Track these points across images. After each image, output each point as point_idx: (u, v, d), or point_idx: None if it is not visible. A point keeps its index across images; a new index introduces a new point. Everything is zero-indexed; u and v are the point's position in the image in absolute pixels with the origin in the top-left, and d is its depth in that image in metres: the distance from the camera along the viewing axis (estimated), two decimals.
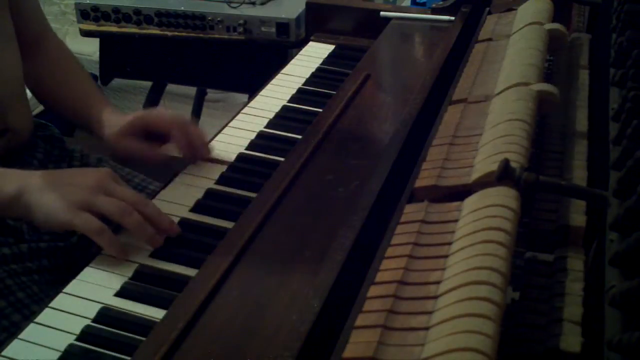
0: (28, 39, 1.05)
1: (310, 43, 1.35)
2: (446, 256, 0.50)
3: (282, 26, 1.66)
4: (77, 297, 0.72)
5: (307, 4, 1.39)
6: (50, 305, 0.71)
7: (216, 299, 0.66)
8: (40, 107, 1.35)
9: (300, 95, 1.15)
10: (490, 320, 0.42)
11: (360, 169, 0.85)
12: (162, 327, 0.64)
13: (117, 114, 1.01)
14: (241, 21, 1.68)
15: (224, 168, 0.94)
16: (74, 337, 0.67)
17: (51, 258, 0.94)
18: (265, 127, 1.03)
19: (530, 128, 0.63)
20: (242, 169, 0.94)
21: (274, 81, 1.19)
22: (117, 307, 0.71)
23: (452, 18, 1.23)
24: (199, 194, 0.88)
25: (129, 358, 0.63)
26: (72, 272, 0.77)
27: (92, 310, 0.70)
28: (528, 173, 0.54)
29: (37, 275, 0.91)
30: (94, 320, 0.69)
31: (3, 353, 0.66)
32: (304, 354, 0.55)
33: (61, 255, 0.95)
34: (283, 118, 1.07)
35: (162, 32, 1.72)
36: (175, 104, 2.35)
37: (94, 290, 0.73)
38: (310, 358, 0.55)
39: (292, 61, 1.28)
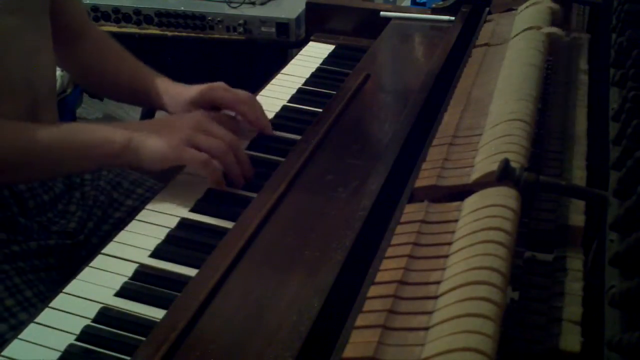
0: (72, 32, 1.08)
1: (310, 43, 1.35)
2: (446, 256, 0.50)
3: (282, 26, 1.66)
4: (77, 297, 0.72)
5: (307, 4, 1.39)
6: (50, 305, 0.71)
7: (216, 299, 0.66)
8: None
9: (300, 95, 1.15)
10: (490, 320, 0.42)
11: (360, 169, 0.85)
12: (162, 327, 0.64)
13: (177, 85, 1.05)
14: (241, 21, 1.68)
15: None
16: (74, 337, 0.67)
17: (58, 256, 0.94)
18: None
19: (530, 128, 0.63)
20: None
21: (274, 81, 1.19)
22: (117, 307, 0.71)
23: (452, 18, 1.23)
24: (199, 194, 0.88)
25: (129, 358, 0.63)
26: (78, 271, 0.77)
27: (92, 310, 0.70)
28: (528, 173, 0.54)
29: (44, 273, 0.91)
30: (94, 320, 0.69)
31: (3, 353, 0.66)
32: (304, 354, 0.55)
33: (68, 254, 0.96)
34: (283, 118, 1.07)
35: (162, 32, 1.72)
36: None
37: (94, 290, 0.73)
38: (310, 358, 0.55)
39: (292, 61, 1.28)
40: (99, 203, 1.04)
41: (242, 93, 1.02)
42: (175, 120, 0.88)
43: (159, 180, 1.09)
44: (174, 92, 1.04)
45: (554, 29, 0.82)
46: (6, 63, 0.91)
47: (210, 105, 1.02)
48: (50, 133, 0.88)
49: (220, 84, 1.04)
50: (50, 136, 0.87)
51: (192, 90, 1.03)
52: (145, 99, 1.08)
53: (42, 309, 0.71)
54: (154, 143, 0.84)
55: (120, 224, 1.00)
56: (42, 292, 0.88)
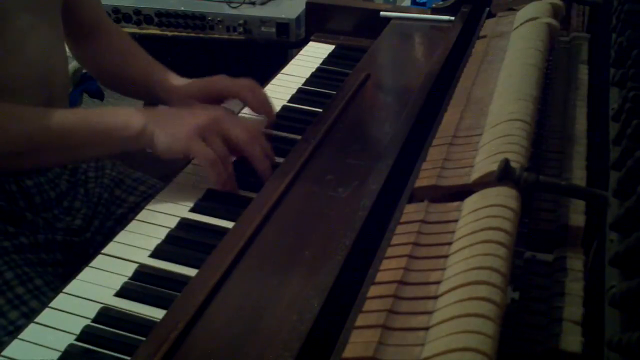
0: (87, 26, 1.09)
1: (310, 43, 1.35)
2: (446, 256, 0.50)
3: (282, 26, 1.66)
4: (77, 297, 0.72)
5: (307, 4, 1.39)
6: (50, 305, 0.71)
7: (216, 299, 0.66)
8: None
9: (300, 95, 1.15)
10: (490, 320, 0.42)
11: (360, 169, 0.85)
12: (162, 327, 0.64)
13: (185, 80, 1.06)
14: (241, 21, 1.68)
15: None
16: (74, 337, 0.68)
17: (65, 253, 0.95)
18: (266, 127, 1.03)
19: (530, 128, 0.63)
20: (242, 169, 0.94)
21: (274, 81, 1.19)
22: (117, 307, 0.71)
23: (452, 18, 1.23)
24: (199, 194, 0.88)
25: (129, 358, 0.63)
26: (78, 271, 0.77)
27: (92, 310, 0.70)
28: (528, 173, 0.54)
29: (52, 268, 0.92)
30: (94, 320, 0.69)
31: (3, 353, 0.66)
32: (304, 354, 0.55)
33: (75, 251, 0.96)
34: (283, 118, 1.07)
35: (162, 32, 1.72)
36: None
37: (94, 290, 0.73)
38: (310, 358, 0.55)
39: (292, 61, 1.28)
40: (103, 201, 1.04)
41: (244, 80, 1.02)
42: (194, 111, 0.89)
43: (160, 179, 1.09)
44: (180, 88, 1.04)
45: (552, 20, 0.82)
46: (23, 60, 0.92)
47: (214, 98, 1.03)
48: (73, 116, 0.89)
49: (221, 76, 1.04)
50: (73, 119, 0.88)
51: (195, 85, 1.03)
52: (153, 95, 1.09)
53: (54, 297, 0.71)
54: (169, 130, 0.85)
55: (123, 220, 1.01)
56: (52, 280, 0.89)
